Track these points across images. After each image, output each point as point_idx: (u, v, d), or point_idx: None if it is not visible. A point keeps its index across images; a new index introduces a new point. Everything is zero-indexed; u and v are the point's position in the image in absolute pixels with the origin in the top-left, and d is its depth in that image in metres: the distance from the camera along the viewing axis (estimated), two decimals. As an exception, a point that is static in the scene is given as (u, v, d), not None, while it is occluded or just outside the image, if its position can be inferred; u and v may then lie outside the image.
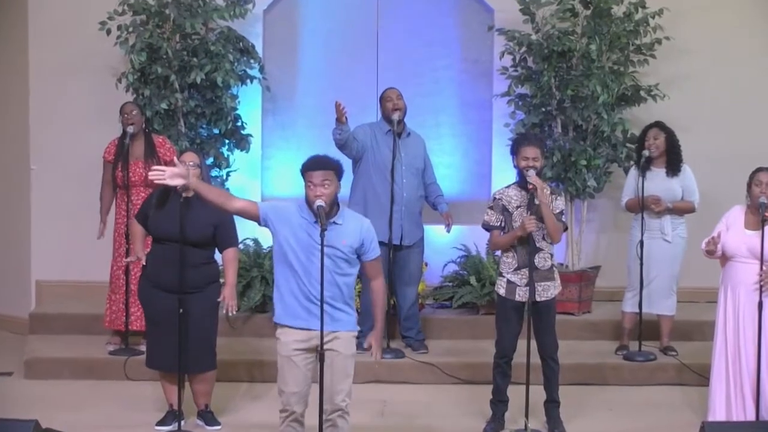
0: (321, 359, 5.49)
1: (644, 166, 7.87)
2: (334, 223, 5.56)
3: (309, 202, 5.54)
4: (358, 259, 5.69)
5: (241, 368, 7.69)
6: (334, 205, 5.58)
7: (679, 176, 7.93)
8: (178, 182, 5.48)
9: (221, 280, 6.54)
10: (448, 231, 8.17)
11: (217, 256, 6.61)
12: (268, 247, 8.58)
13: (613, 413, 7.30)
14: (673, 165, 7.93)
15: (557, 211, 6.56)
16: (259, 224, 5.62)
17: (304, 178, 5.58)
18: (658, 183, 7.89)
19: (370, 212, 7.85)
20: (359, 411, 6.32)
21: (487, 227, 6.65)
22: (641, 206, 7.79)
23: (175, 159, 5.72)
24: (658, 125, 7.97)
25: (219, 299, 6.41)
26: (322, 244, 5.39)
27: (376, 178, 7.94)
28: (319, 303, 5.49)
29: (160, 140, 8.01)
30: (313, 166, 5.57)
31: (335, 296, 5.58)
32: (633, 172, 8.03)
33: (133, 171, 7.84)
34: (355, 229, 5.63)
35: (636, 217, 7.94)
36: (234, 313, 6.42)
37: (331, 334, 5.56)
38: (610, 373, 7.82)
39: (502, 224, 6.60)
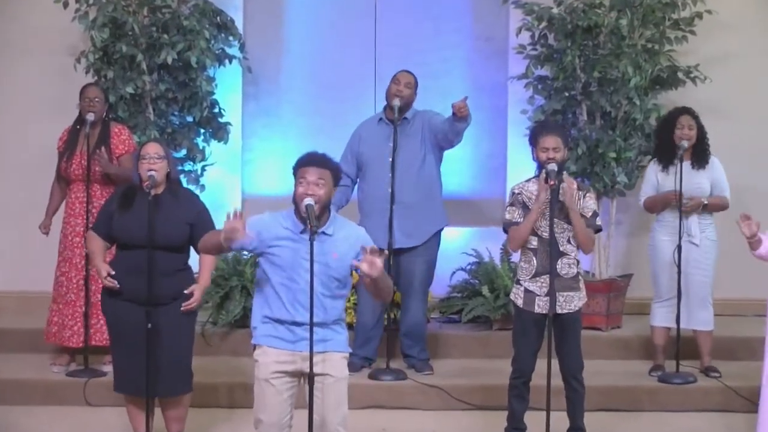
0: (310, 382, 5.50)
1: (666, 158, 7.91)
2: (324, 233, 5.56)
3: (296, 202, 5.56)
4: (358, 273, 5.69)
5: (219, 391, 7.70)
6: (324, 212, 5.58)
7: (706, 169, 7.96)
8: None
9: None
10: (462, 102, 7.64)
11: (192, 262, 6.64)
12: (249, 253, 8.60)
13: (646, 443, 7.35)
14: (701, 157, 7.96)
15: (589, 213, 6.57)
16: (232, 250, 5.74)
17: (296, 176, 5.60)
18: (683, 178, 7.89)
19: (364, 216, 7.90)
20: (356, 440, 6.35)
21: (508, 226, 6.66)
22: (679, 204, 7.80)
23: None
24: (689, 112, 7.98)
25: (187, 291, 6.37)
26: (311, 248, 5.39)
27: (365, 179, 7.99)
28: (305, 326, 5.51)
29: (117, 130, 7.98)
30: (309, 161, 5.59)
31: (323, 320, 5.60)
32: (652, 165, 8.07)
33: (78, 164, 7.84)
34: (348, 238, 5.64)
35: (658, 218, 8.00)
36: (188, 307, 6.39)
37: (320, 356, 5.57)
38: (643, 397, 7.84)
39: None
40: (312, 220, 5.41)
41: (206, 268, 6.53)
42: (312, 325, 5.42)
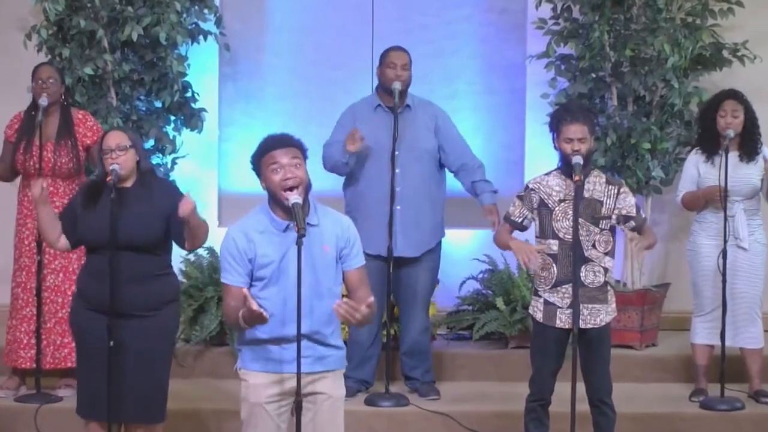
0: (297, 409, 5.51)
1: (709, 148, 7.91)
2: (308, 224, 5.54)
3: (275, 195, 5.53)
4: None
5: (194, 420, 7.69)
6: (306, 199, 5.58)
7: (756, 161, 7.96)
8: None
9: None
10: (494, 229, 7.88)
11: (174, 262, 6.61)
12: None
13: (686, 479, 7.38)
14: (750, 147, 7.95)
15: (633, 209, 6.61)
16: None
17: (260, 166, 5.57)
18: (728, 171, 7.83)
19: (361, 219, 7.87)
20: (350, 475, 6.35)
21: (505, 219, 6.74)
22: (723, 201, 7.78)
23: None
24: (737, 96, 7.98)
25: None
26: (299, 254, 5.39)
27: (363, 175, 7.98)
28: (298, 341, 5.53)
29: (80, 116, 7.99)
30: (275, 144, 5.58)
31: (319, 327, 5.61)
32: (693, 156, 8.06)
33: (41, 155, 7.81)
34: (335, 227, 5.66)
35: (698, 219, 8.02)
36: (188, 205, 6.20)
37: (317, 375, 5.62)
38: (683, 426, 7.84)
39: (524, 222, 6.68)
40: (300, 220, 5.40)
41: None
42: (299, 338, 5.43)
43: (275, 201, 5.56)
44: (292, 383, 5.56)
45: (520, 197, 6.69)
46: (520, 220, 6.67)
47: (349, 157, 7.82)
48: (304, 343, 5.46)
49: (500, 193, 8.03)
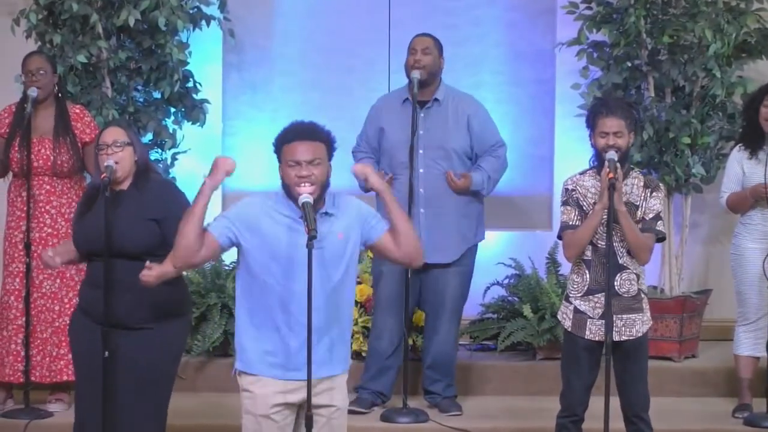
0: (308, 424, 5.52)
1: (753, 144, 7.92)
2: (326, 213, 5.61)
3: (289, 191, 5.56)
4: (370, 245, 5.74)
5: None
6: (324, 192, 5.62)
7: None
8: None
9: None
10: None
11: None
12: (231, 262, 8.58)
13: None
14: None
15: (650, 214, 6.58)
16: (226, 249, 5.69)
17: (279, 156, 5.62)
18: None
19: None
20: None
21: (563, 229, 6.63)
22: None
23: None
24: None
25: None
26: (309, 257, 5.40)
27: (387, 170, 7.96)
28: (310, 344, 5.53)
29: (77, 111, 7.99)
30: (294, 135, 5.59)
31: (334, 323, 5.66)
32: (736, 153, 8.06)
33: (37, 152, 7.83)
34: (351, 213, 5.69)
35: (743, 220, 8.01)
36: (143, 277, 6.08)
37: (326, 382, 5.65)
38: (725, 445, 7.87)
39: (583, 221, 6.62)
40: (310, 221, 5.41)
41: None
42: (310, 348, 5.45)
43: (288, 193, 5.58)
44: (302, 392, 5.57)
45: (565, 202, 6.64)
46: (578, 222, 6.61)
47: None
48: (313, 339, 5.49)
49: (524, 191, 8.01)
